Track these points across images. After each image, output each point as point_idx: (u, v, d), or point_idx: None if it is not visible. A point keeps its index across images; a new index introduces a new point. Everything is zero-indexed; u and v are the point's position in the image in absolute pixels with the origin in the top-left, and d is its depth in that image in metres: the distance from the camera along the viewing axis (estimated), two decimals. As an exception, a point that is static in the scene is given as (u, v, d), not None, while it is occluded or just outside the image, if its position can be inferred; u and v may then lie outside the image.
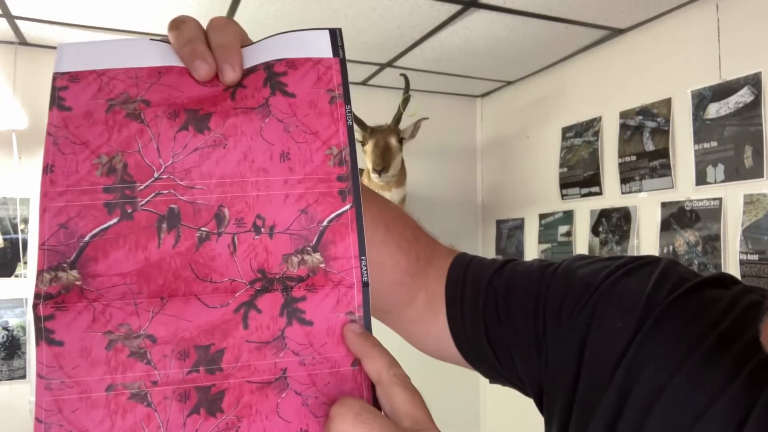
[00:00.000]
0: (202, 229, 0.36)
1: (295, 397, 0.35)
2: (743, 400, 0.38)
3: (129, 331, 0.34)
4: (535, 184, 2.83)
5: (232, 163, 0.37)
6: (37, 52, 2.49)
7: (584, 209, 2.51)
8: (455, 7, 2.05)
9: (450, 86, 3.08)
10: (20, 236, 2.45)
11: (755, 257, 1.81)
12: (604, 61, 2.44)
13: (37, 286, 0.34)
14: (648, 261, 0.48)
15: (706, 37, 1.99)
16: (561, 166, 2.65)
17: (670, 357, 0.41)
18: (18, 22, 2.20)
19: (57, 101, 0.37)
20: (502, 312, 0.52)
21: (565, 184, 2.62)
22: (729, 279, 0.46)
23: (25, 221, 2.47)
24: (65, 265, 0.34)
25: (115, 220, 0.35)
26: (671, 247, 2.09)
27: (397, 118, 2.38)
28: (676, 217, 2.08)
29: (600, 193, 2.44)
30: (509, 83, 3.04)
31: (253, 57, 0.40)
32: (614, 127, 2.36)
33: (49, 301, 0.33)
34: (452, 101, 3.26)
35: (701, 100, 2.00)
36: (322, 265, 0.37)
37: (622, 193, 2.32)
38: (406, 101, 2.38)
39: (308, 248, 0.37)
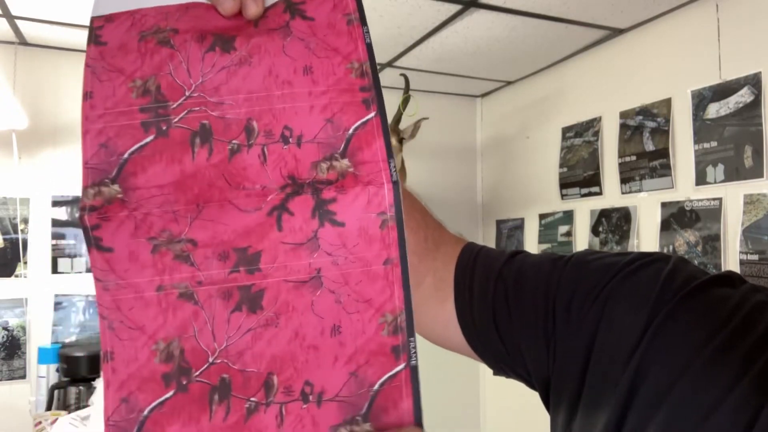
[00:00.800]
0: (233, 141, 0.37)
1: (329, 295, 0.36)
2: (753, 399, 0.38)
3: (170, 236, 0.35)
4: (535, 184, 2.83)
5: (257, 79, 0.39)
6: (37, 52, 2.49)
7: (584, 209, 2.51)
8: (455, 7, 2.05)
9: (450, 86, 3.08)
10: (20, 236, 2.45)
11: (755, 257, 1.81)
12: (604, 61, 2.45)
13: (82, 200, 0.36)
14: (658, 258, 0.48)
15: (706, 37, 1.99)
16: (561, 166, 2.65)
17: (679, 354, 0.41)
18: (18, 22, 2.20)
19: (94, 38, 0.40)
20: (511, 303, 0.52)
21: (565, 184, 2.62)
22: (736, 278, 0.46)
23: (25, 221, 2.47)
24: (107, 180, 0.36)
25: (151, 138, 0.37)
26: (671, 247, 2.09)
27: (397, 118, 2.38)
28: (676, 217, 2.08)
29: (600, 193, 2.44)
30: (509, 83, 3.04)
31: None
32: (614, 127, 2.36)
33: (94, 212, 0.35)
34: (452, 101, 3.26)
35: (701, 100, 2.00)
36: (350, 170, 0.37)
37: (622, 193, 2.32)
38: (406, 101, 2.38)
39: (336, 155, 0.37)
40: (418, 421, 0.34)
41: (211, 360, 0.35)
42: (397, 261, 0.36)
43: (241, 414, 0.36)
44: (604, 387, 0.44)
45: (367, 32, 0.41)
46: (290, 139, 0.37)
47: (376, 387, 0.35)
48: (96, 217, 0.35)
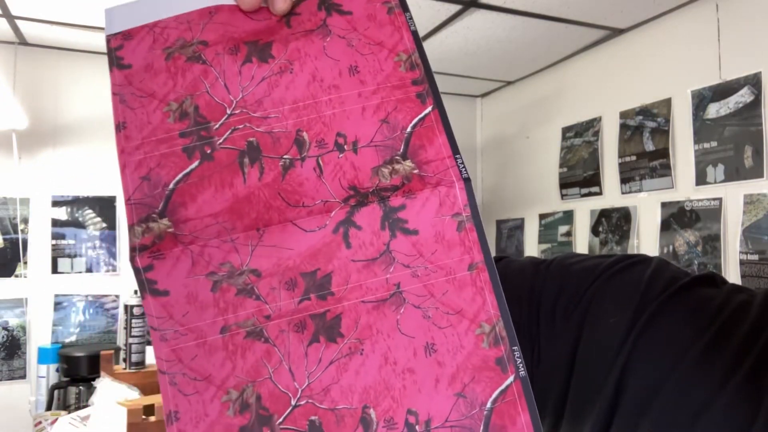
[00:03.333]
0: (284, 157, 0.35)
1: (415, 311, 0.33)
2: (748, 395, 0.38)
3: (231, 269, 0.33)
4: (535, 184, 2.83)
5: (301, 86, 0.36)
6: (37, 52, 2.49)
7: (584, 209, 2.51)
8: (455, 7, 2.05)
9: (450, 86, 3.08)
10: (20, 236, 2.45)
11: (755, 257, 1.81)
12: (604, 61, 2.45)
13: (130, 240, 0.33)
14: (640, 260, 0.48)
15: (706, 37, 1.99)
16: (561, 166, 2.65)
17: (665, 355, 0.41)
18: (18, 22, 2.20)
19: (116, 61, 0.37)
20: None
21: (565, 184, 2.63)
22: (719, 278, 0.46)
23: (25, 221, 2.47)
24: (154, 215, 0.33)
25: (196, 164, 0.34)
26: (671, 247, 2.09)
27: (397, 118, 2.38)
28: (676, 217, 2.08)
29: (600, 193, 2.44)
30: (509, 83, 3.04)
31: None
32: (614, 127, 2.36)
33: (145, 251, 0.32)
34: (452, 101, 3.26)
35: (701, 100, 2.00)
36: (415, 171, 0.34)
37: (622, 193, 2.32)
38: (406, 101, 2.38)
39: (397, 157, 0.35)
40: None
41: (294, 402, 0.31)
42: (482, 264, 0.33)
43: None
44: (591, 388, 0.44)
45: (411, 19, 0.38)
46: (345, 147, 0.35)
47: (488, 405, 0.31)
48: (148, 256, 0.32)
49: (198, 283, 0.32)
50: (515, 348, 0.32)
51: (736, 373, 0.39)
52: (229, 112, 0.36)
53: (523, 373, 0.32)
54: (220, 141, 0.35)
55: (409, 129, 0.35)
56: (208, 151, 0.35)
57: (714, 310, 0.42)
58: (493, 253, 0.61)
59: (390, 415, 0.31)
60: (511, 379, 0.32)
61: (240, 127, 0.35)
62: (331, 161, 0.35)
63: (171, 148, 0.35)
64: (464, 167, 0.34)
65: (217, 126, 0.35)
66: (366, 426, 0.31)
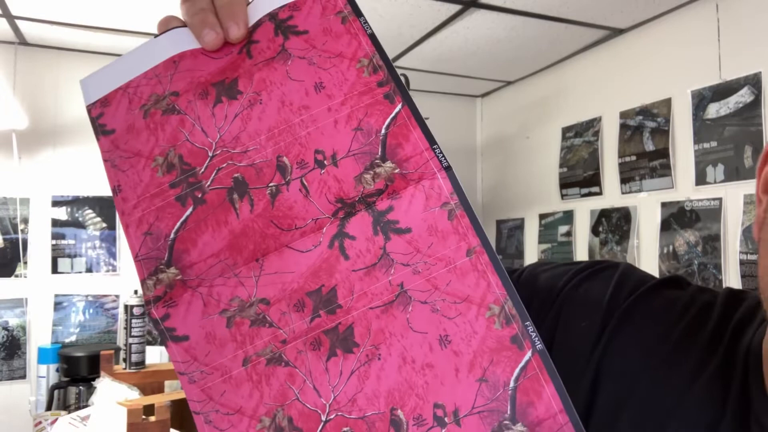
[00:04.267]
0: (270, 185, 0.36)
1: (423, 307, 0.33)
2: (712, 394, 0.40)
3: (241, 303, 0.34)
4: (535, 184, 2.83)
5: (273, 114, 0.37)
6: (37, 52, 2.49)
7: (584, 209, 2.51)
8: (455, 7, 2.05)
9: (450, 86, 3.08)
10: (20, 236, 2.45)
11: (755, 257, 1.81)
12: (604, 61, 2.45)
13: (144, 294, 0.35)
14: (607, 265, 0.50)
15: (706, 37, 1.99)
16: (561, 166, 2.65)
17: (636, 355, 0.43)
18: (18, 22, 2.20)
19: (100, 130, 0.39)
20: None
21: (565, 184, 2.63)
22: (683, 280, 0.48)
23: (25, 221, 2.47)
24: (162, 266, 0.35)
25: (190, 210, 0.36)
26: (671, 247, 2.09)
27: (397, 118, 2.38)
28: (676, 217, 2.08)
29: (600, 193, 2.44)
30: (509, 83, 3.04)
31: (257, 12, 0.41)
32: (614, 127, 2.36)
33: (159, 302, 0.34)
34: (452, 101, 3.26)
35: (701, 100, 2.00)
36: (396, 171, 0.35)
37: (622, 193, 2.32)
38: (406, 101, 2.38)
39: (376, 161, 0.35)
40: (566, 404, 0.31)
41: (324, 418, 0.32)
42: (480, 248, 0.33)
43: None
44: None
45: (366, 23, 0.39)
46: (325, 162, 0.36)
47: (511, 385, 0.32)
48: (162, 306, 0.34)
49: (213, 322, 0.34)
50: (528, 323, 0.32)
51: (704, 371, 0.41)
52: (210, 154, 0.37)
53: (540, 346, 0.32)
54: (208, 183, 0.36)
55: (383, 131, 0.36)
56: (199, 195, 0.36)
57: (680, 311, 0.44)
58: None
59: (418, 412, 0.32)
60: (529, 354, 0.32)
61: (223, 166, 0.37)
62: (315, 179, 0.36)
63: (165, 200, 0.37)
64: (443, 156, 0.35)
65: (202, 170, 0.37)
66: (397, 427, 0.32)
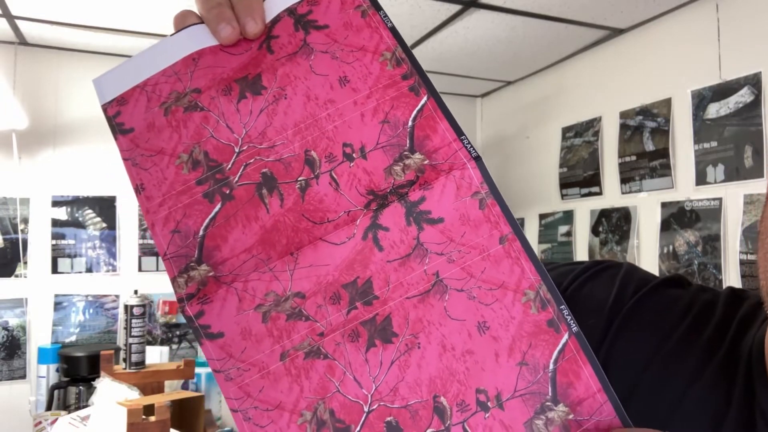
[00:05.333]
0: (299, 179, 0.36)
1: (459, 295, 0.33)
2: (716, 391, 0.40)
3: (276, 297, 0.34)
4: (535, 184, 2.83)
5: (299, 108, 0.38)
6: (37, 52, 2.49)
7: (584, 209, 2.51)
8: (455, 7, 2.05)
9: (450, 86, 3.08)
10: (20, 236, 2.45)
11: (755, 257, 1.81)
12: (604, 61, 2.45)
13: (176, 292, 0.35)
14: (611, 265, 0.51)
15: (706, 37, 1.99)
16: (561, 166, 2.65)
17: (640, 352, 0.44)
18: (18, 22, 2.20)
19: (117, 128, 0.39)
20: None
21: (565, 184, 2.63)
22: (684, 280, 0.49)
23: (25, 221, 2.47)
24: (192, 263, 0.35)
25: (218, 206, 0.36)
26: (671, 247, 2.09)
27: (397, 118, 2.39)
28: (676, 217, 2.08)
29: (600, 193, 2.44)
30: (509, 83, 3.04)
31: (276, 7, 0.41)
32: (614, 127, 2.36)
33: (192, 299, 0.34)
34: (452, 101, 3.26)
35: (701, 100, 2.00)
36: (426, 162, 0.35)
37: (622, 193, 2.32)
38: (406, 101, 2.38)
39: (405, 152, 0.36)
40: (604, 384, 0.32)
41: (367, 409, 0.32)
42: (512, 235, 0.34)
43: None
44: None
45: (386, 16, 0.39)
46: (354, 155, 0.36)
47: (551, 367, 0.32)
48: (196, 303, 0.34)
49: (248, 317, 0.34)
50: (563, 307, 0.33)
51: (708, 367, 0.42)
52: (237, 150, 0.37)
53: (575, 328, 0.32)
54: (236, 179, 0.36)
55: (410, 123, 0.36)
56: (227, 192, 0.36)
57: (683, 309, 0.45)
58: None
59: (461, 398, 0.32)
60: (566, 336, 0.32)
61: (251, 161, 0.37)
62: (344, 172, 0.36)
63: (192, 197, 0.36)
64: (472, 147, 0.35)
65: (229, 166, 0.37)
66: (440, 414, 0.32)
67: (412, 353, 0.33)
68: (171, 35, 0.40)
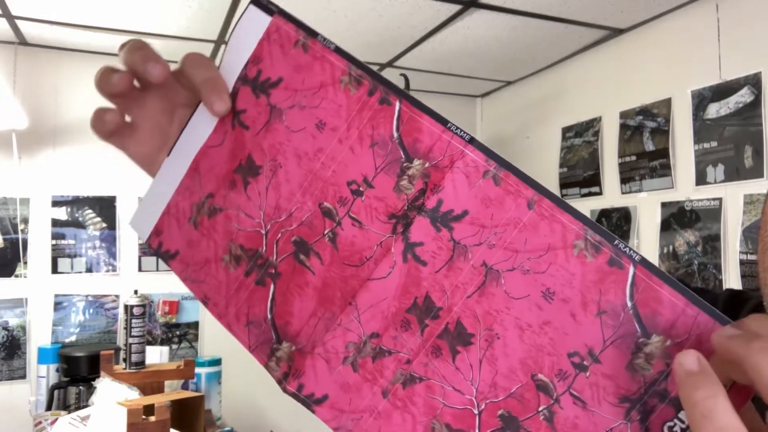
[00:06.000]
0: (325, 233, 0.38)
1: (513, 274, 0.33)
2: None
3: (356, 346, 0.36)
4: (535, 184, 2.83)
5: (296, 171, 0.39)
6: (37, 52, 2.49)
7: (584, 209, 2.51)
8: (455, 7, 2.05)
9: (450, 86, 3.08)
10: (20, 236, 2.45)
11: (755, 257, 1.81)
12: (604, 61, 2.45)
13: (273, 375, 0.38)
14: None
15: (706, 37, 1.99)
16: (561, 166, 2.65)
17: None
18: (18, 22, 2.20)
19: (167, 257, 0.43)
20: None
21: (565, 184, 2.63)
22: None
23: (25, 221, 2.47)
24: (275, 346, 0.38)
25: (272, 287, 0.39)
26: (671, 247, 2.09)
27: (397, 118, 2.38)
28: (676, 217, 2.08)
29: (600, 193, 2.44)
30: (509, 83, 3.04)
31: (228, 80, 0.42)
32: (614, 127, 2.36)
33: (288, 377, 0.37)
34: (452, 101, 3.26)
35: (701, 100, 2.00)
36: (426, 165, 0.35)
37: (622, 193, 2.32)
38: (406, 101, 2.38)
39: (404, 164, 0.36)
40: (689, 296, 0.30)
41: (477, 411, 0.33)
42: (537, 195, 0.33)
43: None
44: None
45: (325, 39, 0.39)
46: (361, 188, 0.37)
47: (629, 304, 0.31)
48: (293, 380, 0.37)
49: (341, 373, 0.36)
50: (617, 242, 0.31)
51: None
52: (263, 232, 0.40)
53: (638, 257, 0.31)
54: (275, 258, 0.39)
55: (395, 135, 0.36)
56: (273, 272, 0.39)
57: None
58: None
59: (557, 368, 0.32)
60: (631, 269, 0.31)
61: (279, 236, 0.39)
62: (360, 208, 0.37)
63: (247, 289, 0.40)
64: (462, 131, 0.35)
65: (264, 249, 0.40)
66: (545, 390, 0.32)
67: (495, 345, 0.33)
68: (168, 154, 0.43)
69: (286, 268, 0.39)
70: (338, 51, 0.38)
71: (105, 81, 0.40)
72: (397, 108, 0.36)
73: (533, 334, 0.33)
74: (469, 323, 0.34)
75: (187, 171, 0.43)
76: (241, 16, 0.42)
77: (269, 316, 0.39)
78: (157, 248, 0.43)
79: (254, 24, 0.41)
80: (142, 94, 0.42)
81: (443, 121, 0.35)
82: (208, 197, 0.42)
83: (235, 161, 0.41)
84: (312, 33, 0.39)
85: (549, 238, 0.33)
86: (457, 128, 0.35)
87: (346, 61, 0.38)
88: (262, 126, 0.40)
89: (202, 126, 0.43)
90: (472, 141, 0.35)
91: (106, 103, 0.43)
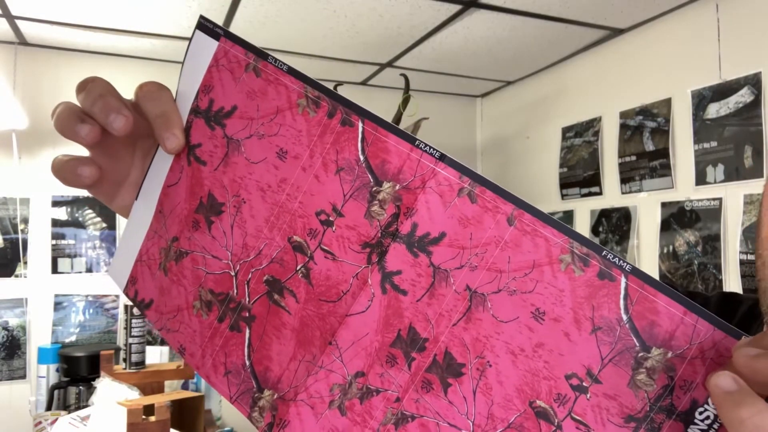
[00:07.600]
0: (297, 269, 0.36)
1: (499, 296, 0.31)
2: None
3: (342, 388, 0.34)
4: (535, 184, 2.83)
5: (260, 205, 0.37)
6: (37, 52, 2.49)
7: (584, 209, 2.51)
8: (455, 7, 2.05)
9: (450, 86, 3.08)
10: (20, 236, 2.45)
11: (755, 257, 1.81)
12: (604, 61, 2.44)
13: (258, 427, 0.36)
14: None
15: (706, 37, 1.99)
16: (561, 166, 2.65)
17: None
18: (18, 22, 2.20)
19: (142, 306, 0.42)
20: None
21: (565, 184, 2.62)
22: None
23: (25, 221, 2.47)
24: (256, 394, 0.36)
25: (247, 332, 0.37)
26: (671, 247, 2.09)
27: (397, 118, 2.38)
28: (676, 217, 2.08)
29: (600, 193, 2.44)
30: (509, 83, 3.04)
31: (183, 111, 0.40)
32: (614, 127, 2.36)
33: (273, 428, 0.35)
34: (452, 101, 3.26)
35: (701, 100, 2.00)
36: (397, 187, 0.33)
37: (622, 193, 2.32)
38: (406, 101, 2.38)
39: (374, 189, 0.34)
40: (686, 304, 0.29)
41: None
42: (516, 210, 0.31)
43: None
44: None
45: (276, 61, 0.37)
46: (331, 218, 0.35)
47: (624, 317, 0.29)
48: (278, 431, 0.35)
49: (328, 418, 0.34)
50: (605, 252, 0.30)
51: None
52: (233, 273, 0.38)
53: (628, 267, 0.29)
54: (247, 300, 0.37)
55: (361, 157, 0.34)
56: (246, 315, 0.37)
57: None
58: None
59: (555, 392, 0.30)
60: (623, 280, 0.29)
61: (249, 277, 0.37)
62: (331, 239, 0.35)
63: (222, 335, 0.38)
64: (431, 148, 0.33)
65: (235, 291, 0.37)
66: (545, 417, 0.30)
67: (487, 373, 0.31)
68: (136, 202, 0.42)
69: (260, 310, 0.36)
70: (291, 72, 0.36)
71: (72, 134, 0.36)
72: (360, 128, 0.34)
73: (527, 358, 0.31)
74: (458, 352, 0.32)
75: (154, 214, 0.40)
76: (189, 42, 0.39)
77: (247, 363, 0.36)
78: (134, 297, 0.41)
79: (201, 50, 0.39)
80: (107, 140, 0.38)
81: (411, 139, 0.33)
82: (173, 241, 0.39)
83: (195, 200, 0.39)
84: (262, 55, 0.37)
85: (533, 254, 0.31)
86: (426, 145, 0.33)
87: (300, 83, 0.36)
88: (221, 160, 0.38)
89: (162, 164, 0.40)
90: (442, 158, 0.32)
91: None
